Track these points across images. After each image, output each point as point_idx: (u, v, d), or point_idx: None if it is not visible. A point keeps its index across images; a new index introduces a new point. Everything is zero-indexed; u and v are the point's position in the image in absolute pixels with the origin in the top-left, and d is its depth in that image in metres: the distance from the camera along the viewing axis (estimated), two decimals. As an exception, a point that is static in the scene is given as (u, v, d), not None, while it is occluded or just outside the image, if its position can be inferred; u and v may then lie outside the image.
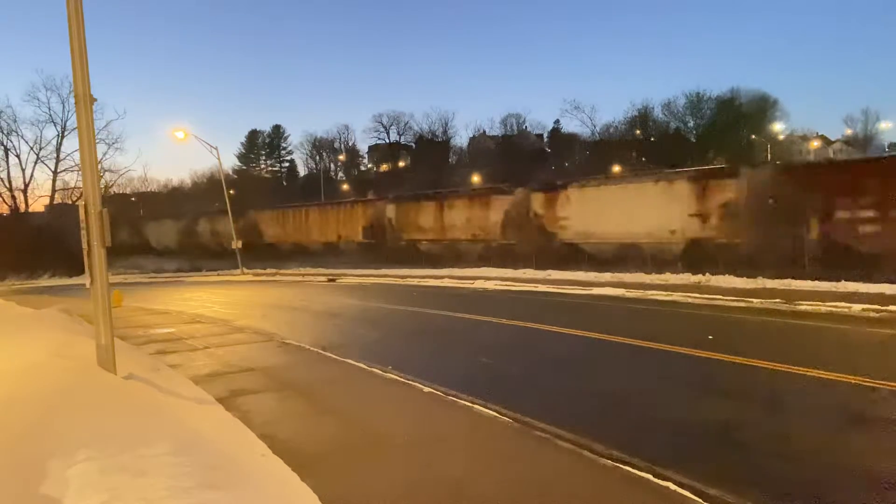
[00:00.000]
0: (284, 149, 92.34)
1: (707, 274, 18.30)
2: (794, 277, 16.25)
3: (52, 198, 51.41)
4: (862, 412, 6.06)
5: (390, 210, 33.85)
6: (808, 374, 7.40)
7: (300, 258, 37.42)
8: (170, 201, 73.55)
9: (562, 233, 25.33)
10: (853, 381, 6.97)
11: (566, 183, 26.13)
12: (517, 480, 4.67)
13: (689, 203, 21.00)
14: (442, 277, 24.05)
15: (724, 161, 59.48)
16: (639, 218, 22.20)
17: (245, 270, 34.31)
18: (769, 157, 57.22)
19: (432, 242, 31.71)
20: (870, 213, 17.43)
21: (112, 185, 55.49)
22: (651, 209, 21.93)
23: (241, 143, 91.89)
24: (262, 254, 38.84)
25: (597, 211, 23.96)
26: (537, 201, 26.38)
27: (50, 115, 51.96)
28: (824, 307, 12.48)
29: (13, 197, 49.82)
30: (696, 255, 20.47)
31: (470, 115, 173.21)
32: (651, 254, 22.08)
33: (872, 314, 11.52)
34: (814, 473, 4.71)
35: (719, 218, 20.32)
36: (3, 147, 49.26)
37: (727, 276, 17.67)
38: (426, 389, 7.39)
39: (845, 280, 14.93)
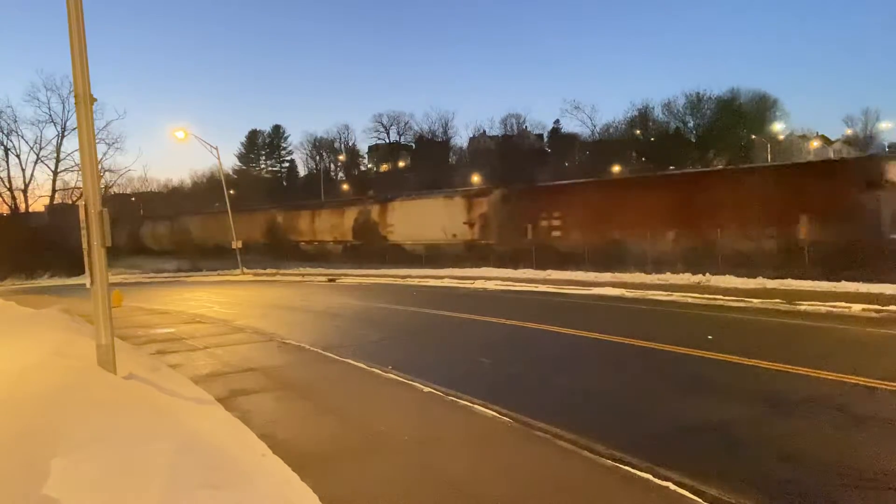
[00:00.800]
0: (284, 149, 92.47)
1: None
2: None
3: (52, 198, 51.44)
4: (858, 412, 6.06)
5: (279, 216, 42.13)
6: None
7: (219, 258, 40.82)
8: (170, 201, 73.58)
9: (390, 236, 33.25)
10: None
11: (393, 197, 35.03)
12: (517, 480, 4.67)
13: (463, 214, 28.97)
14: (442, 277, 24.10)
15: (724, 161, 59.67)
16: (435, 225, 30.01)
17: (245, 270, 34.31)
18: (769, 157, 57.27)
19: (308, 243, 40.22)
20: (557, 223, 25.39)
21: (112, 185, 55.60)
22: (443, 218, 29.73)
23: (241, 143, 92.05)
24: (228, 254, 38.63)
25: (412, 219, 31.82)
26: (374, 211, 34.19)
27: (50, 115, 51.99)
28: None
29: (13, 197, 49.86)
30: (472, 253, 27.75)
31: (470, 115, 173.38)
32: (445, 252, 29.33)
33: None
34: (813, 473, 4.71)
35: (480, 225, 28.28)
36: (3, 147, 49.31)
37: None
38: (426, 389, 7.39)
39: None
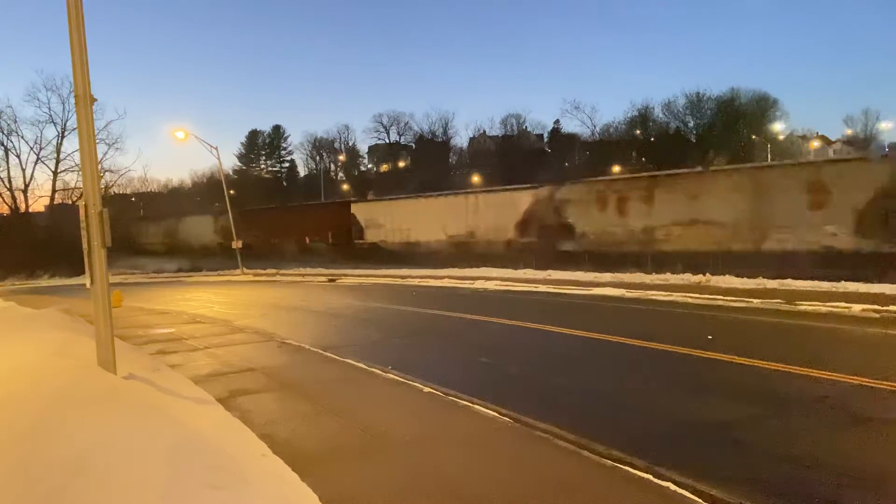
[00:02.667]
0: (284, 149, 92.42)
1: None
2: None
3: (52, 198, 51.37)
4: (859, 412, 6.06)
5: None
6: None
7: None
8: (170, 201, 73.57)
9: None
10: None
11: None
12: (516, 480, 4.67)
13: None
14: (442, 277, 24.11)
15: (724, 161, 59.61)
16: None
17: (245, 270, 34.31)
18: (769, 158, 57.25)
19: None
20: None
21: (112, 185, 55.42)
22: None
23: (241, 143, 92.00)
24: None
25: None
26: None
27: (50, 115, 51.88)
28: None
29: (13, 197, 49.81)
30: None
31: (470, 115, 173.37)
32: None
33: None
34: (813, 473, 4.71)
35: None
36: (3, 147, 49.18)
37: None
38: (426, 389, 7.39)
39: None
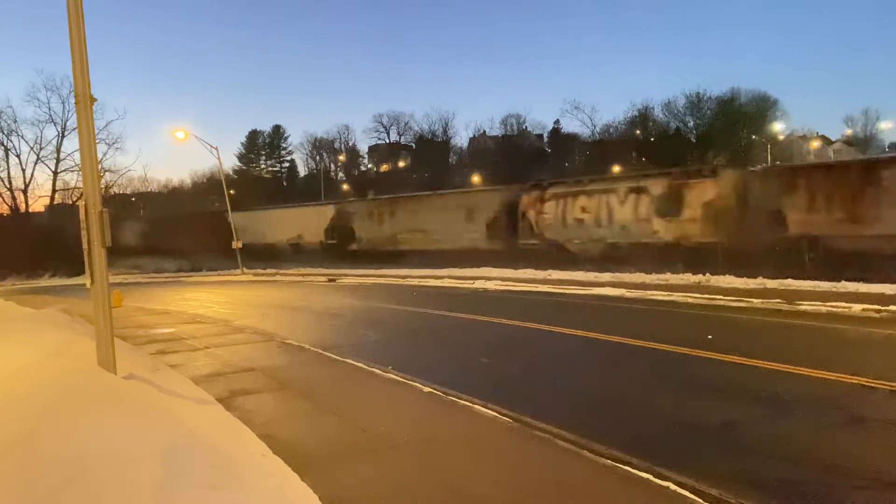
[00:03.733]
0: (284, 149, 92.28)
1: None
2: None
3: (52, 198, 51.44)
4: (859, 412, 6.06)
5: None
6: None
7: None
8: (170, 201, 73.54)
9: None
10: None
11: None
12: (517, 480, 4.67)
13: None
14: (442, 277, 24.13)
15: (723, 161, 59.59)
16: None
17: (245, 270, 34.33)
18: (769, 158, 57.24)
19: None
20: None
21: (112, 185, 55.52)
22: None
23: (241, 143, 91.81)
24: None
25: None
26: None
27: (50, 115, 51.88)
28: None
29: (13, 197, 49.85)
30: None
31: (470, 115, 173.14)
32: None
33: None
34: (813, 473, 4.71)
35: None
36: (3, 147, 49.27)
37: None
38: (426, 389, 7.39)
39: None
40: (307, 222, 37.95)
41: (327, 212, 37.11)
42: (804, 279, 15.97)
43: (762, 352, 8.59)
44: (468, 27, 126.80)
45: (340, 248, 34.98)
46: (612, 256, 22.47)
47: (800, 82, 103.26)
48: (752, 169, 23.15)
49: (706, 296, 14.89)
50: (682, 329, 11.42)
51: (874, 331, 10.19)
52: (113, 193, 57.36)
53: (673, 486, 4.43)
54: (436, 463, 5.11)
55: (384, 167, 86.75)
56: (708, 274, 18.23)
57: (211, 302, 20.53)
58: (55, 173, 50.49)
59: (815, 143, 73.48)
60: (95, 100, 6.97)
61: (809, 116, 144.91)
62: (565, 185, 25.72)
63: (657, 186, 21.69)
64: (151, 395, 6.58)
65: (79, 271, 23.35)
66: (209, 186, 75.14)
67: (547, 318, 12.71)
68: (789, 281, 15.97)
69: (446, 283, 22.75)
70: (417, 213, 31.44)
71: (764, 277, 16.57)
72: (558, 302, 16.13)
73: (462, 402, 6.81)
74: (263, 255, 38.70)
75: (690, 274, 18.61)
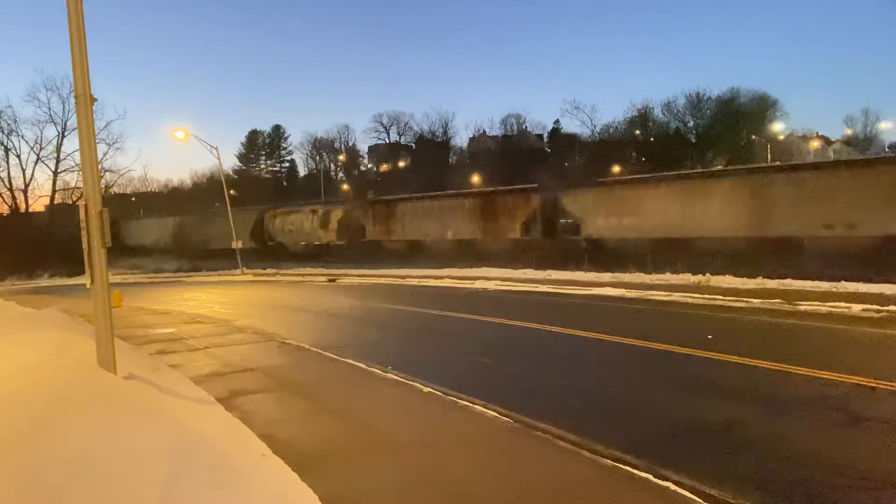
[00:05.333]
0: (284, 149, 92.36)
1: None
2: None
3: (52, 198, 51.45)
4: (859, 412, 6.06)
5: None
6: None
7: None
8: (170, 201, 73.53)
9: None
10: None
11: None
12: (517, 481, 4.67)
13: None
14: (442, 277, 24.12)
15: (723, 161, 59.58)
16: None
17: (245, 270, 34.30)
18: (769, 158, 57.22)
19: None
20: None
21: (112, 185, 55.55)
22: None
23: (241, 143, 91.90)
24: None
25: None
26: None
27: (50, 115, 51.99)
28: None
29: (13, 197, 49.87)
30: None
31: (470, 115, 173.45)
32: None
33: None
34: (813, 473, 4.71)
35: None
36: (3, 147, 49.32)
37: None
38: (426, 389, 7.39)
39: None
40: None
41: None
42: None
43: (761, 351, 8.59)
44: (468, 27, 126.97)
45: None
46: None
47: (800, 82, 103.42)
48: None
49: (706, 295, 14.88)
50: (681, 329, 11.41)
51: (874, 331, 10.19)
52: (113, 193, 57.38)
53: (673, 486, 4.43)
54: (436, 463, 5.10)
55: (384, 167, 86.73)
56: (708, 274, 18.24)
57: (211, 302, 20.53)
58: (55, 173, 50.56)
59: (815, 143, 73.45)
60: (95, 100, 6.97)
61: (809, 116, 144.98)
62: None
63: None
64: (151, 395, 6.58)
65: (78, 271, 23.33)
66: (209, 186, 75.08)
67: (546, 318, 12.71)
68: (789, 280, 15.97)
69: (446, 283, 22.74)
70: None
71: (763, 277, 16.59)
72: (558, 302, 16.12)
73: (462, 402, 6.81)
74: (264, 256, 39.04)
75: (690, 274, 18.62)
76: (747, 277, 16.94)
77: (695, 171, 39.37)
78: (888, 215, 17.50)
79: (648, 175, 28.98)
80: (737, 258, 18.92)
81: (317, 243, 38.57)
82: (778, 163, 37.99)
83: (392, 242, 34.07)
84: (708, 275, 18.14)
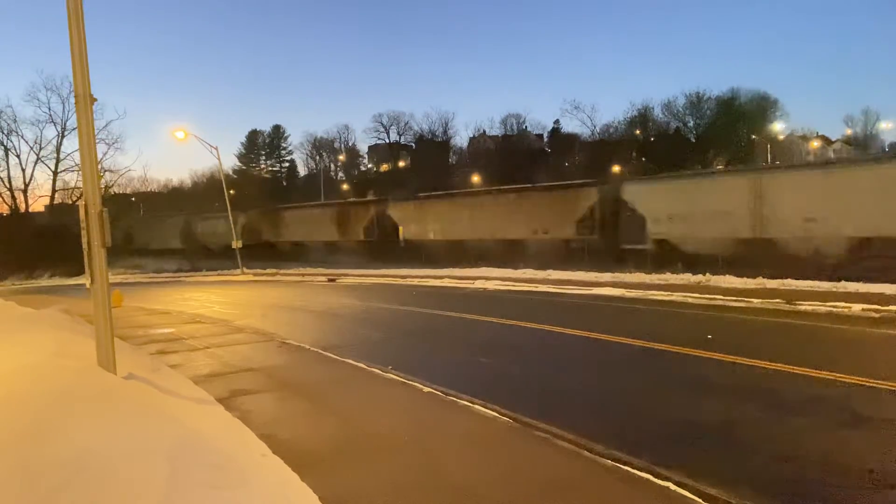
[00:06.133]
0: (284, 149, 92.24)
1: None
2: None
3: (52, 198, 51.45)
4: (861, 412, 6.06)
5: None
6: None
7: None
8: (170, 201, 73.53)
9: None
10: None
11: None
12: (517, 481, 4.67)
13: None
14: (442, 277, 24.13)
15: (723, 161, 59.57)
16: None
17: (245, 270, 34.31)
18: (769, 157, 57.21)
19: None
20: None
21: (112, 185, 55.51)
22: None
23: (241, 143, 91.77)
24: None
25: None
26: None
27: (50, 115, 52.06)
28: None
29: (13, 197, 49.87)
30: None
31: (470, 115, 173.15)
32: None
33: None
34: (813, 473, 4.71)
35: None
36: (3, 147, 49.33)
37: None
38: (426, 389, 7.39)
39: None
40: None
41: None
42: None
43: (761, 351, 8.59)
44: (468, 27, 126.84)
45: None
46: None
47: (800, 82, 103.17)
48: None
49: (706, 295, 14.89)
50: (681, 329, 11.41)
51: (874, 331, 10.20)
52: (113, 193, 57.36)
53: (673, 486, 4.43)
54: (436, 463, 5.11)
55: (384, 167, 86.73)
56: (708, 274, 18.25)
57: (211, 302, 20.53)
58: (55, 173, 50.56)
59: (815, 143, 73.44)
60: (95, 100, 6.97)
61: (809, 116, 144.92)
62: None
63: None
64: (151, 395, 6.58)
65: (78, 271, 23.32)
66: (209, 186, 75.08)
67: (546, 318, 12.71)
68: (789, 280, 15.99)
69: (446, 282, 22.75)
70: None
71: (764, 277, 16.59)
72: (558, 302, 16.12)
73: (462, 402, 6.81)
74: (263, 256, 38.99)
75: (690, 274, 18.64)
76: (748, 277, 16.94)
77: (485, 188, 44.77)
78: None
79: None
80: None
81: (227, 245, 39.38)
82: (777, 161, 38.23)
83: (281, 243, 42.01)
84: (708, 274, 18.15)
